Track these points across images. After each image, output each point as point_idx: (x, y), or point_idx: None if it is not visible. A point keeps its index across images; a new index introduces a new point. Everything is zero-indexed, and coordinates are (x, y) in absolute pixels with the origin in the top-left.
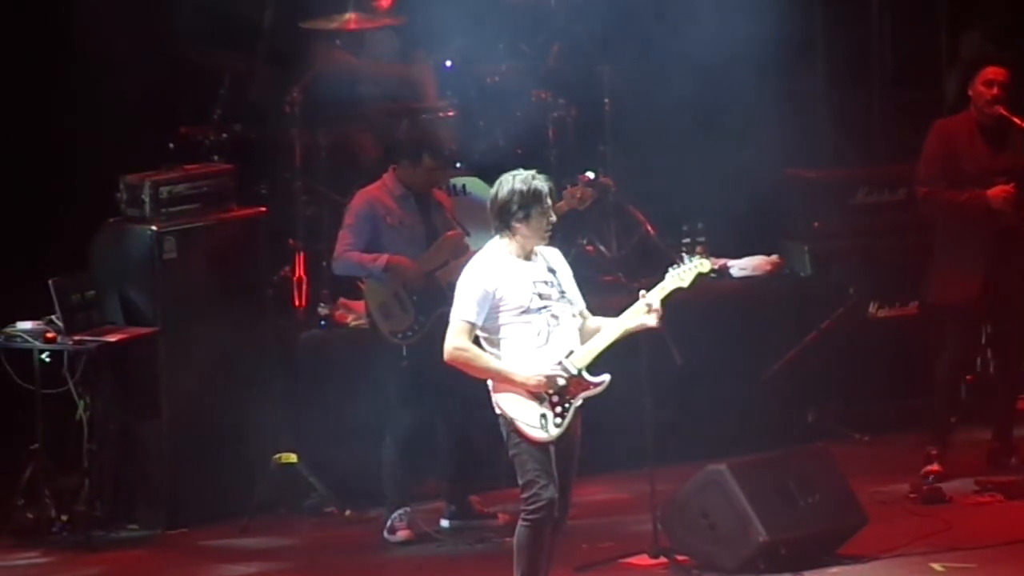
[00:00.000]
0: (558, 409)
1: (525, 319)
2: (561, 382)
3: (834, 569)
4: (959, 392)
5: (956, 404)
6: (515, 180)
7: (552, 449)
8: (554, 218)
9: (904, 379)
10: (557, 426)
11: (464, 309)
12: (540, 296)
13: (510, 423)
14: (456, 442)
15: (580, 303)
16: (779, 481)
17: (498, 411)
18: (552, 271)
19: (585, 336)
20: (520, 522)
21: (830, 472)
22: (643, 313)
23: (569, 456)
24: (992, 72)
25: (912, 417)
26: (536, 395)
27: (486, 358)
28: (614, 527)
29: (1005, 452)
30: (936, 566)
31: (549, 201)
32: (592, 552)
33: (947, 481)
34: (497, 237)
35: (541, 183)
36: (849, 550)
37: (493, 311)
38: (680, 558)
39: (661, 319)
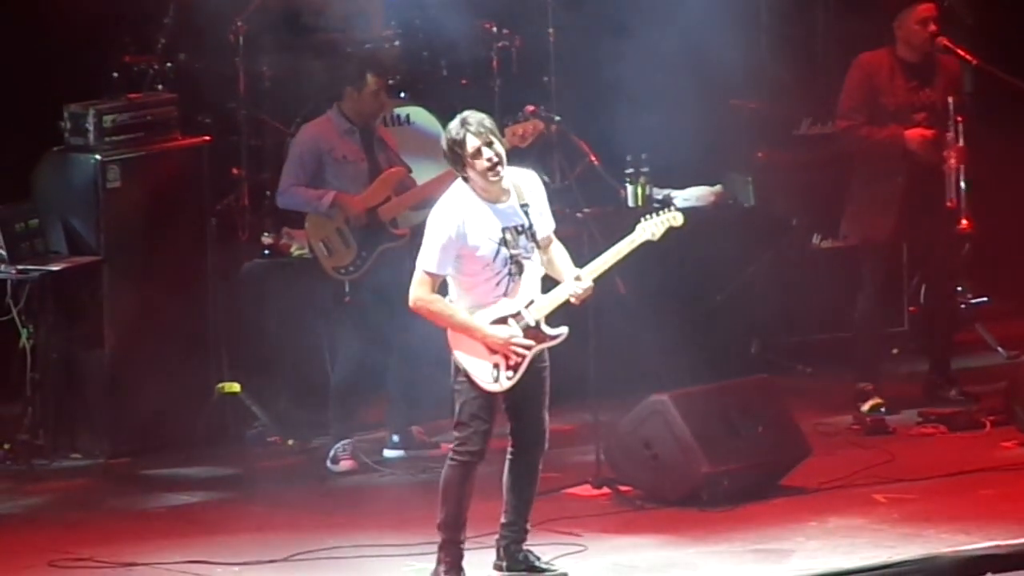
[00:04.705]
0: (511, 361)
1: (488, 270)
2: (518, 335)
3: (776, 500)
4: (880, 326)
5: (879, 339)
6: (450, 128)
7: (500, 397)
8: (493, 161)
9: (847, 311)
10: (509, 379)
11: (426, 259)
12: (506, 245)
13: (464, 373)
14: (400, 374)
15: (548, 227)
16: (722, 412)
17: (453, 360)
18: (525, 207)
19: (548, 266)
20: (448, 460)
21: (773, 403)
22: (572, 281)
23: (536, 388)
24: (924, 10)
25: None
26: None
27: (448, 310)
28: (557, 458)
29: (944, 385)
30: (879, 497)
31: (482, 144)
32: None
33: (890, 413)
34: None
35: (466, 132)
36: (792, 481)
37: (458, 260)
38: (623, 488)
39: (580, 297)
